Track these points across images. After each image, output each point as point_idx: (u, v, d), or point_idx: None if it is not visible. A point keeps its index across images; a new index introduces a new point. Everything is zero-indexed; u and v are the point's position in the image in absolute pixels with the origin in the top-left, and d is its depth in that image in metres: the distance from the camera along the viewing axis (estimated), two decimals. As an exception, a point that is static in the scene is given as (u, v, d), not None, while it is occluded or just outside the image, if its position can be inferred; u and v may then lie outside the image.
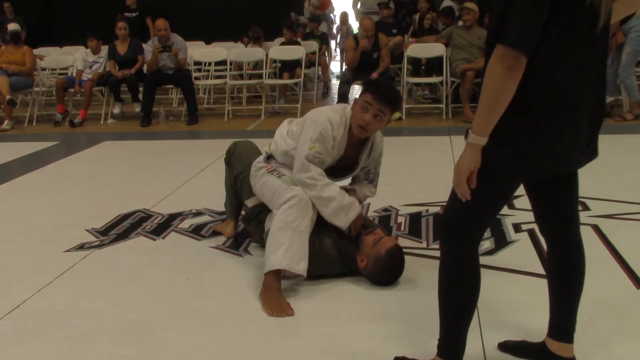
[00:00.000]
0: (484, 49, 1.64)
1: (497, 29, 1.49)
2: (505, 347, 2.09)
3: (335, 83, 9.21)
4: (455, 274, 1.76)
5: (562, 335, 1.91)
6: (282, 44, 8.22)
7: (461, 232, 1.73)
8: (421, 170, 4.29)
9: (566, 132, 1.59)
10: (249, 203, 3.01)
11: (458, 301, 1.78)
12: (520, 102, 1.53)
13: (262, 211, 2.95)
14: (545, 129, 1.57)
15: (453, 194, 1.72)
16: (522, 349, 2.04)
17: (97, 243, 3.33)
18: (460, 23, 6.90)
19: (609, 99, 6.13)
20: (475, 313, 1.97)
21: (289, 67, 7.98)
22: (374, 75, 6.64)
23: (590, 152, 1.71)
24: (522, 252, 2.93)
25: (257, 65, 8.40)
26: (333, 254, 2.71)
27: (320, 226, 2.74)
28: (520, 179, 1.68)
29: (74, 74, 7.74)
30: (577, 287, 1.86)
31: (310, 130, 2.70)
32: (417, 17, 8.68)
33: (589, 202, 3.50)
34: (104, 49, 7.61)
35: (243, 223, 3.24)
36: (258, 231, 3.01)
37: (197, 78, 8.33)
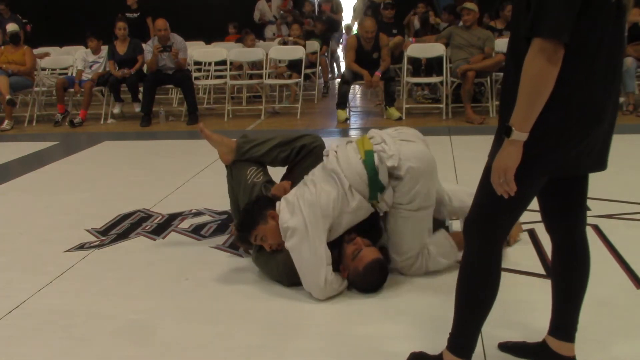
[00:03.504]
0: (511, 47, 1.62)
1: (532, 23, 1.48)
2: (505, 347, 2.09)
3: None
4: (481, 272, 1.76)
5: (564, 334, 1.91)
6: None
7: (489, 231, 1.72)
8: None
9: (589, 133, 1.58)
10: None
11: (482, 298, 1.78)
12: (551, 100, 1.52)
13: None
14: (572, 127, 1.56)
15: (480, 191, 1.71)
16: (522, 349, 2.05)
17: (97, 243, 3.33)
18: (461, 23, 6.91)
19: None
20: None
21: (295, 67, 7.97)
22: (377, 74, 6.64)
23: (601, 163, 1.69)
24: (522, 252, 2.93)
25: (255, 65, 8.40)
26: None
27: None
28: (546, 175, 1.67)
29: (74, 74, 7.74)
30: (580, 287, 1.86)
31: None
32: (415, 18, 8.69)
33: (589, 202, 3.48)
34: (104, 49, 7.61)
35: (235, 241, 3.15)
36: (250, 250, 2.98)
37: (197, 78, 8.33)
